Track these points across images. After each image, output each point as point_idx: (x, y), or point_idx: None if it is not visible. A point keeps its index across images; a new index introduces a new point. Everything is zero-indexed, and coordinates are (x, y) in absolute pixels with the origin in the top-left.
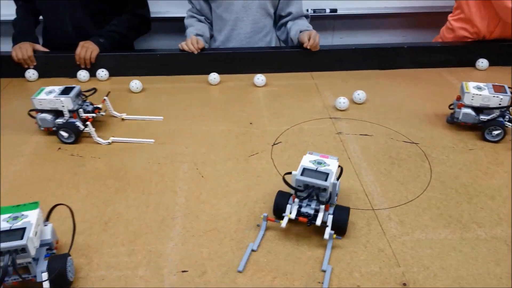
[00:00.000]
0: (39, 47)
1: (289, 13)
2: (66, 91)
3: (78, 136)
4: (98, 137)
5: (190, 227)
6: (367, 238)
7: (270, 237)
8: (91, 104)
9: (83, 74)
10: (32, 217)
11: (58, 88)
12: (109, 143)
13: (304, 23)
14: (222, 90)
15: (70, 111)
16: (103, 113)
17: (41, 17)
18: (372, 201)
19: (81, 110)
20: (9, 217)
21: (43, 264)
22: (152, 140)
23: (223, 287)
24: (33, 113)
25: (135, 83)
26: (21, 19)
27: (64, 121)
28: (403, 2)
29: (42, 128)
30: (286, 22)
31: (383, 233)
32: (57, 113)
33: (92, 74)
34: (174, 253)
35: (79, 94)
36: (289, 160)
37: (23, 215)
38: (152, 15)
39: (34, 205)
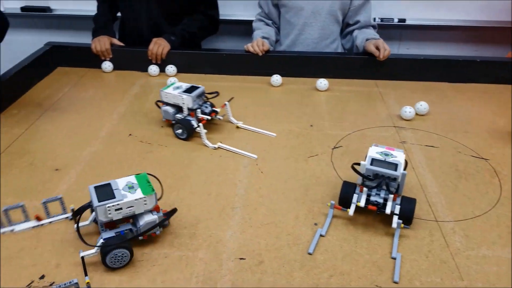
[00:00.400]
0: (116, 41)
1: (357, 22)
2: (190, 90)
3: (190, 134)
4: (207, 140)
5: (249, 218)
6: (429, 248)
7: (328, 236)
8: (211, 106)
9: (153, 69)
10: (133, 196)
11: (185, 85)
12: (215, 148)
13: (371, 32)
14: (283, 92)
15: (189, 109)
16: (221, 117)
17: (118, 14)
18: (435, 213)
19: (199, 110)
20: (131, 183)
21: (107, 235)
22: (255, 156)
23: (280, 279)
24: (160, 104)
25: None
26: (101, 15)
27: (182, 117)
28: (475, 15)
29: (164, 120)
30: (353, 30)
31: (446, 245)
32: (179, 109)
33: (162, 69)
34: (232, 240)
35: (202, 94)
36: (349, 165)
37: (136, 191)
38: (220, 17)
39: (149, 190)
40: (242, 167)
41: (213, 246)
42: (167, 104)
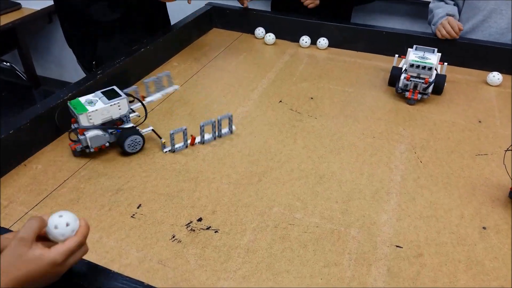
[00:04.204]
0: None
1: None
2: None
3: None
4: None
5: (406, 207)
6: None
7: (500, 244)
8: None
9: (305, 40)
10: None
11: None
12: None
13: None
14: (446, 81)
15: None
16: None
17: None
18: None
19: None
20: None
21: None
22: None
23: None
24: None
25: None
26: None
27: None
28: None
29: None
30: None
31: None
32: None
33: (313, 41)
34: (388, 225)
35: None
36: None
37: None
38: None
39: None
40: (398, 152)
41: (367, 227)
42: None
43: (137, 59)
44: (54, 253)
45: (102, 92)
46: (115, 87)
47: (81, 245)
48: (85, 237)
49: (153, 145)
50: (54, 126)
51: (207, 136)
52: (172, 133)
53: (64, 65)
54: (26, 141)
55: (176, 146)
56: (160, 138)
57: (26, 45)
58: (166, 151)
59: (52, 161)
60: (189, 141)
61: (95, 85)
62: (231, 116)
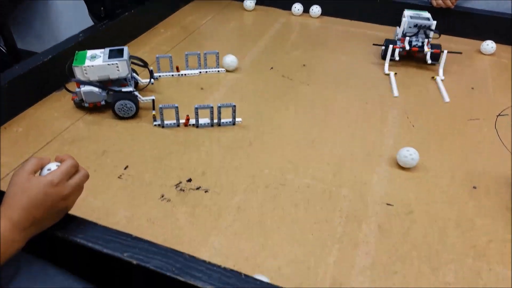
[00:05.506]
0: None
1: None
2: None
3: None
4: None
5: (397, 168)
6: None
7: (489, 201)
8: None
9: (297, 7)
10: None
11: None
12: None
13: None
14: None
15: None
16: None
17: None
18: None
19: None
20: None
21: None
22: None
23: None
24: None
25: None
26: None
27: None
28: None
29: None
30: None
31: None
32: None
33: (305, 9)
34: (378, 185)
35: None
36: None
37: None
38: None
39: None
40: (390, 117)
41: (358, 187)
42: None
43: (122, 22)
44: (49, 175)
45: (110, 50)
46: (125, 48)
47: (75, 167)
48: (75, 160)
49: (148, 112)
50: (35, 87)
51: (204, 120)
52: (161, 108)
53: (45, 38)
54: (6, 103)
55: (167, 122)
56: (153, 109)
57: (5, 18)
58: (155, 125)
59: (34, 124)
60: (182, 121)
61: (78, 48)
62: (235, 106)
